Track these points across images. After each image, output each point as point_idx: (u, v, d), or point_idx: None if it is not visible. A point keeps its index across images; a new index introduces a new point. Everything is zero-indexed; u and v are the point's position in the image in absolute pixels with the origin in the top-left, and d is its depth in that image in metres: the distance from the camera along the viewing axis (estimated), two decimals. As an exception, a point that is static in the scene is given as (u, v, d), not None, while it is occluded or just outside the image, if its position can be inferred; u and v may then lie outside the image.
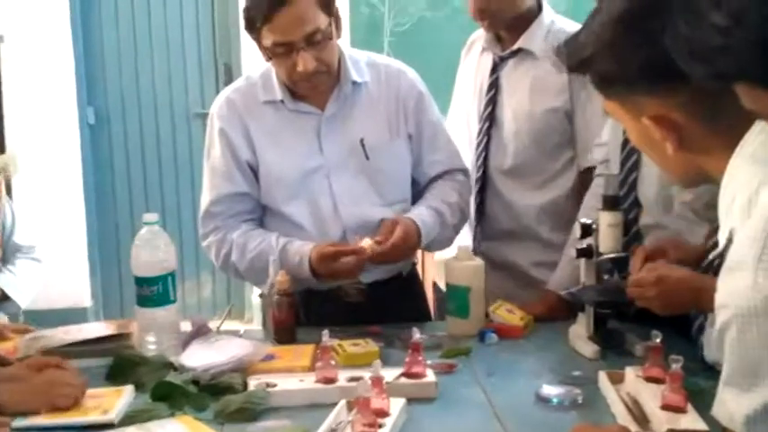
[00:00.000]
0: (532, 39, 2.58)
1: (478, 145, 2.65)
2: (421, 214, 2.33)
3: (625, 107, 1.29)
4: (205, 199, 2.41)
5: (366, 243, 2.22)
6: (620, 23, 1.23)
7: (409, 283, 2.55)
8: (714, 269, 1.80)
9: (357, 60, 2.41)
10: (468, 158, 2.66)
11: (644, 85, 1.22)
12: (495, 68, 2.65)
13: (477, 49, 2.75)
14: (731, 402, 1.09)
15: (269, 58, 2.29)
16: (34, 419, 1.75)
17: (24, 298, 2.78)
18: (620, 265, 2.09)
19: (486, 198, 2.65)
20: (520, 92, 2.59)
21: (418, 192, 2.47)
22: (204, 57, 5.31)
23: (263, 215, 2.42)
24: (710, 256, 1.21)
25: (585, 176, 2.55)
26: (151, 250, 2.09)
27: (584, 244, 2.11)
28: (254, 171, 2.38)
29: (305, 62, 2.21)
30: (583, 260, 2.13)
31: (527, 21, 2.59)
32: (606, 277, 2.10)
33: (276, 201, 2.38)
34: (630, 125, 1.31)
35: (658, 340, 1.79)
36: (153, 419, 1.73)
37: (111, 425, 1.74)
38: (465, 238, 2.65)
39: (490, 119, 2.63)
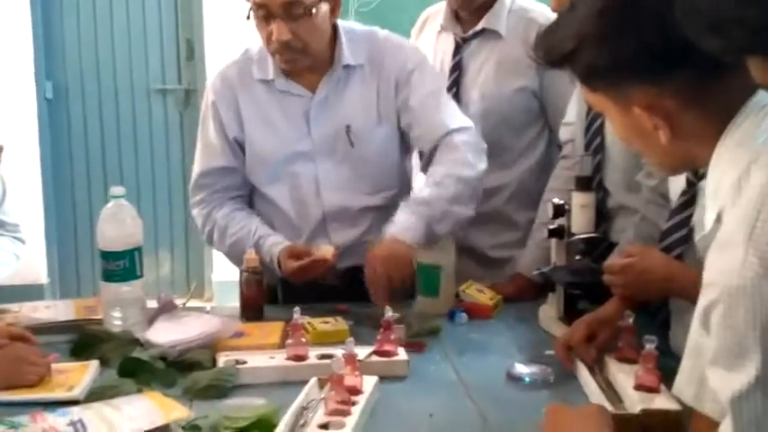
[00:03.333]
0: (497, 19, 2.57)
1: None
2: (397, 222, 2.24)
3: (613, 99, 1.26)
4: (195, 170, 2.43)
5: (327, 250, 2.24)
6: (606, 13, 1.20)
7: None
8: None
9: (356, 38, 2.36)
10: None
11: (636, 74, 1.20)
12: (458, 49, 2.62)
13: (433, 29, 2.72)
14: (717, 381, 1.09)
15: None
16: (-2, 395, 1.72)
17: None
18: (592, 245, 2.09)
19: None
20: (486, 72, 2.58)
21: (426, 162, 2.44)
22: (166, 31, 5.23)
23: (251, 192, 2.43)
24: (697, 238, 1.20)
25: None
26: (118, 224, 2.04)
27: (555, 224, 2.11)
28: (242, 147, 2.38)
29: (278, 32, 2.18)
30: (554, 240, 2.13)
31: (488, 1, 2.58)
32: (578, 258, 2.09)
33: (259, 181, 2.38)
34: (617, 117, 1.28)
35: (630, 320, 1.80)
36: (120, 395, 1.69)
37: (76, 401, 1.70)
38: None
39: (455, 100, 2.57)
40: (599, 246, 2.14)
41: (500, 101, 2.55)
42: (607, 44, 1.21)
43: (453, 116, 2.38)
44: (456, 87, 2.61)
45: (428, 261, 2.25)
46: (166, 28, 5.24)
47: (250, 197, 2.43)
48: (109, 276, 2.04)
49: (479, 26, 2.58)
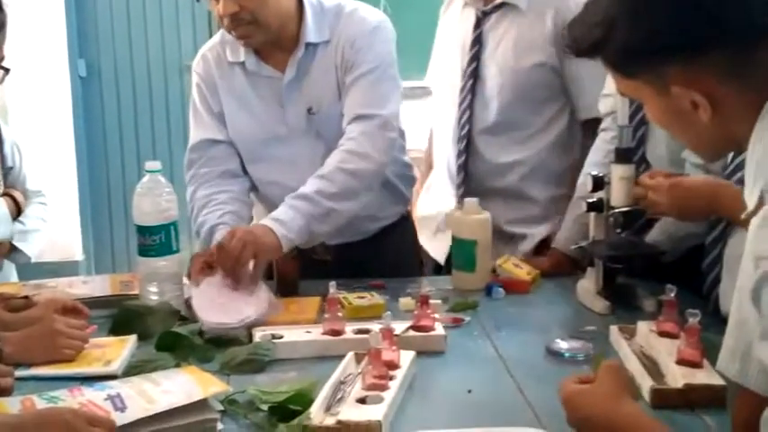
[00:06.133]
0: None
1: (462, 102, 2.56)
2: (274, 214, 2.15)
3: (649, 82, 1.23)
4: (187, 147, 2.43)
5: None
6: None
7: (379, 242, 2.48)
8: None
9: (323, 14, 2.30)
10: (452, 117, 2.60)
11: (671, 50, 1.17)
12: (479, 24, 2.56)
13: (458, 5, 2.66)
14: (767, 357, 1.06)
15: None
16: (37, 370, 1.73)
17: (34, 248, 2.73)
18: (631, 218, 2.06)
19: (470, 156, 2.57)
20: (504, 47, 2.51)
21: None
22: (197, 7, 5.21)
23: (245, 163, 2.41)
24: (742, 216, 1.17)
25: (586, 128, 2.52)
26: (153, 199, 2.04)
27: (594, 197, 2.08)
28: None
29: (224, 5, 2.15)
30: (593, 214, 2.10)
31: None
32: (617, 231, 2.06)
33: (243, 158, 2.39)
34: (653, 102, 1.25)
35: (672, 294, 1.77)
36: (157, 370, 1.69)
37: (114, 376, 1.70)
38: (448, 196, 2.61)
39: (474, 75, 2.55)
40: (638, 219, 2.11)
41: (517, 76, 2.48)
42: (639, 21, 1.18)
43: (370, 100, 2.26)
44: (476, 62, 2.55)
45: (464, 236, 2.23)
46: (198, 3, 5.22)
47: (242, 168, 2.40)
48: (145, 251, 2.04)
49: (498, 0, 2.51)
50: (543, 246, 2.51)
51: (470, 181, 2.58)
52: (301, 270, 2.23)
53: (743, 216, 1.17)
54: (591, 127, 2.48)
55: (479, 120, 2.54)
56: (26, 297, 2.06)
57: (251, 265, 2.05)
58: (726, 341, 1.23)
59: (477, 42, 2.55)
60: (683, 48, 1.16)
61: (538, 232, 2.53)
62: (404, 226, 2.57)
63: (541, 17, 2.45)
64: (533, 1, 2.49)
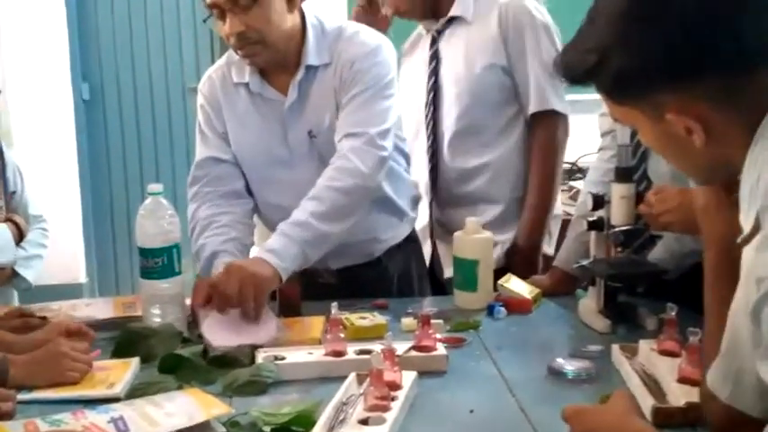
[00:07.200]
0: (463, 5, 2.67)
1: (426, 115, 2.72)
2: (268, 244, 2.12)
3: (642, 109, 1.23)
4: (193, 164, 2.44)
5: None
6: (627, 18, 1.19)
7: (383, 266, 2.47)
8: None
9: (324, 36, 2.30)
10: (421, 134, 2.74)
11: (665, 77, 1.18)
12: (434, 42, 2.73)
13: (422, 47, 2.80)
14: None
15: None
16: (40, 393, 1.72)
17: (34, 273, 2.73)
18: (632, 237, 2.07)
19: (439, 166, 2.71)
20: (456, 56, 2.67)
21: None
22: (200, 30, 5.25)
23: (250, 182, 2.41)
24: (738, 240, 1.17)
25: (533, 122, 2.66)
26: (156, 221, 2.05)
27: (595, 216, 2.09)
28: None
29: (231, 25, 2.16)
30: (593, 233, 2.10)
31: None
32: (618, 250, 2.07)
33: (248, 179, 2.40)
34: (647, 128, 1.26)
35: (673, 313, 1.77)
36: (160, 392, 1.69)
37: (117, 399, 1.70)
38: (421, 208, 2.69)
39: (434, 88, 2.70)
40: (639, 237, 2.12)
41: (471, 81, 2.64)
42: (633, 49, 1.18)
43: (361, 119, 2.24)
44: (435, 77, 2.71)
45: (466, 255, 2.24)
46: (200, 26, 5.25)
47: (247, 189, 2.41)
48: (147, 273, 2.05)
49: (449, 15, 2.69)
50: (512, 252, 2.65)
51: (439, 189, 2.72)
52: (306, 293, 2.23)
53: (738, 240, 1.17)
54: (535, 124, 2.64)
55: (443, 128, 2.69)
56: (44, 318, 2.08)
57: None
58: (717, 362, 1.24)
59: (435, 58, 2.72)
60: (676, 76, 1.17)
61: (507, 238, 2.65)
62: (409, 247, 2.56)
63: (486, 22, 2.62)
64: (478, 9, 2.66)
